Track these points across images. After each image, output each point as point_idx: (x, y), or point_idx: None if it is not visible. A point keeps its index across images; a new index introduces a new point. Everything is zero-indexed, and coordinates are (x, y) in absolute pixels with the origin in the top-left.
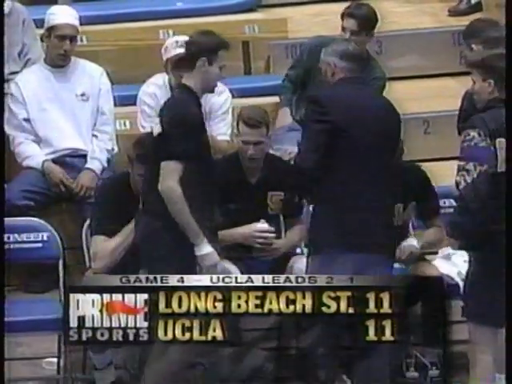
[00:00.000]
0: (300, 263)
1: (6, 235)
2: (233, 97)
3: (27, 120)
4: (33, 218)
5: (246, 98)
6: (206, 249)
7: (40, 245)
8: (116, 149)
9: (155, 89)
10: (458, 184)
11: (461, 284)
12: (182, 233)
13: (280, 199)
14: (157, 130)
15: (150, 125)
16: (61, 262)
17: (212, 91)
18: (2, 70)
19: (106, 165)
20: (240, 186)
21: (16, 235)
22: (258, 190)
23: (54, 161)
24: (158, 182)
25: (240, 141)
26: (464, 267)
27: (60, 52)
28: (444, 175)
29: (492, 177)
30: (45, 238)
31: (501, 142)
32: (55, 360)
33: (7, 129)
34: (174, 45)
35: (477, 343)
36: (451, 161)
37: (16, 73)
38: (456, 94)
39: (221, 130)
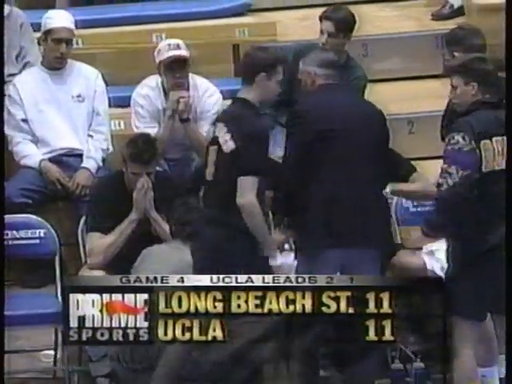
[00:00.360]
0: (289, 259)
1: (4, 232)
2: (223, 98)
3: (25, 120)
4: (30, 216)
5: None
6: (279, 258)
7: (37, 241)
8: (111, 148)
9: (148, 90)
10: (439, 185)
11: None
12: (254, 245)
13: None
14: (230, 146)
15: (144, 125)
16: (57, 258)
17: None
18: (1, 72)
19: (101, 164)
20: None
21: (14, 232)
22: None
23: (51, 160)
24: (230, 195)
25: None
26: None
27: (56, 55)
28: (428, 174)
29: (475, 181)
30: (42, 235)
31: (485, 144)
32: (52, 352)
33: (6, 129)
34: (167, 48)
35: (458, 336)
36: (435, 160)
37: (14, 75)
38: (439, 95)
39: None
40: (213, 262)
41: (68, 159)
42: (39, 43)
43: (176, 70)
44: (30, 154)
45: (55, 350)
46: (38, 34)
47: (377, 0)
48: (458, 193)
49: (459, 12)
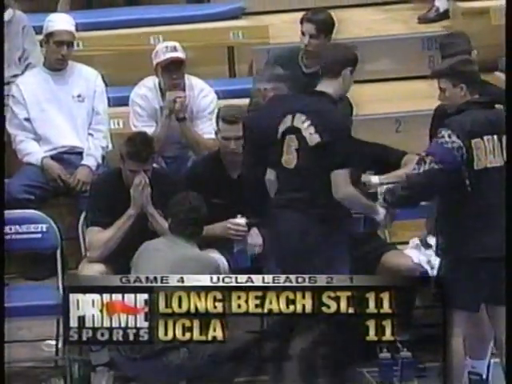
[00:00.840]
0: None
1: (7, 226)
2: (218, 98)
3: (27, 119)
4: (33, 211)
5: (231, 100)
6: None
7: (39, 235)
8: (110, 146)
9: (146, 91)
10: (413, 169)
11: (430, 272)
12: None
13: None
14: (315, 139)
15: (142, 124)
16: (59, 252)
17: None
18: (1, 73)
19: (100, 161)
20: (222, 181)
21: (17, 226)
22: (239, 185)
23: (53, 157)
24: (313, 183)
25: (221, 137)
26: (433, 256)
27: (58, 56)
28: None
29: (447, 176)
30: (44, 229)
31: (477, 143)
32: (54, 342)
33: (9, 128)
34: (164, 50)
35: (450, 326)
36: None
37: (17, 76)
38: (425, 95)
39: (207, 129)
40: (290, 247)
41: (69, 157)
42: (41, 45)
43: (173, 71)
44: (32, 151)
45: (57, 340)
46: (40, 37)
47: (366, 4)
48: (420, 182)
49: (445, 15)
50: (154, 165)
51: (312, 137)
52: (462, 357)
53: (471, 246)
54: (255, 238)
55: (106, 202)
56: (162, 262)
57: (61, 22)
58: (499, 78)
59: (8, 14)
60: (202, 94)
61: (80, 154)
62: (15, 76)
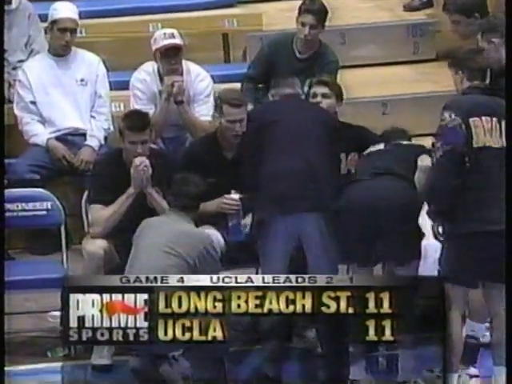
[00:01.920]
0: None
1: (14, 204)
2: (214, 82)
3: (33, 102)
4: (38, 189)
5: (226, 84)
6: None
7: (44, 212)
8: (112, 128)
9: (145, 75)
10: (431, 157)
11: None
12: None
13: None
14: None
15: (141, 107)
16: (63, 228)
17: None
18: (1, 61)
19: (103, 142)
20: (218, 162)
21: (23, 204)
22: (233, 165)
23: (57, 138)
24: None
25: (225, 121)
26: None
27: (62, 43)
28: None
29: (462, 156)
30: (49, 207)
31: (475, 121)
32: (58, 314)
33: (16, 110)
34: (162, 37)
35: (449, 302)
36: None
37: (23, 61)
38: (410, 79)
39: (203, 111)
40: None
41: (73, 138)
42: (46, 32)
43: (171, 56)
44: (38, 133)
45: (61, 310)
46: (45, 24)
47: None
48: (443, 165)
49: (429, 3)
50: (153, 145)
51: None
52: (460, 332)
53: (469, 220)
54: (247, 218)
55: (108, 180)
56: (160, 238)
57: (64, 10)
58: None
59: (15, 2)
60: (198, 78)
61: (83, 135)
62: (21, 61)
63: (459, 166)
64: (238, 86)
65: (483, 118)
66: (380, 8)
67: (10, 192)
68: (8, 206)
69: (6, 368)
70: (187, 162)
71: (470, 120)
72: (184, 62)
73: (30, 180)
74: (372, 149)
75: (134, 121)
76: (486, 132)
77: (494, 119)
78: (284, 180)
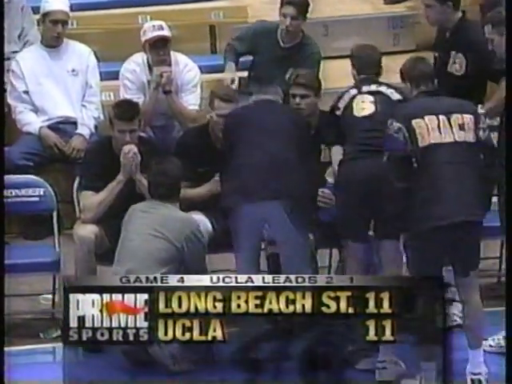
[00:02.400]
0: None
1: (8, 190)
2: (201, 72)
3: (26, 92)
4: (31, 176)
5: (212, 74)
6: None
7: (37, 199)
8: (102, 117)
9: (135, 66)
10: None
11: None
12: None
13: None
14: None
15: (131, 96)
16: (55, 213)
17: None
18: (2, 52)
19: (93, 130)
20: (209, 152)
21: (17, 190)
22: (223, 155)
23: (49, 127)
24: None
25: (216, 115)
26: None
27: (53, 34)
28: None
29: (401, 160)
30: (41, 193)
31: (417, 122)
32: (50, 296)
33: (9, 100)
34: (151, 28)
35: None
36: None
37: (16, 52)
38: (390, 70)
39: (191, 100)
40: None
41: (64, 126)
42: (38, 24)
43: (159, 48)
44: (30, 121)
45: (53, 294)
46: (38, 16)
47: None
48: (388, 170)
49: None
50: (142, 134)
51: None
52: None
53: (423, 217)
54: None
55: (98, 168)
56: (148, 223)
57: (56, 2)
58: None
59: None
60: (186, 68)
61: (74, 123)
62: (15, 52)
63: (404, 169)
64: (223, 75)
65: (426, 117)
66: (362, 1)
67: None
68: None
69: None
70: (179, 151)
71: (413, 122)
72: (172, 52)
73: (23, 167)
74: None
75: (124, 110)
76: (432, 130)
77: (442, 117)
78: (248, 170)
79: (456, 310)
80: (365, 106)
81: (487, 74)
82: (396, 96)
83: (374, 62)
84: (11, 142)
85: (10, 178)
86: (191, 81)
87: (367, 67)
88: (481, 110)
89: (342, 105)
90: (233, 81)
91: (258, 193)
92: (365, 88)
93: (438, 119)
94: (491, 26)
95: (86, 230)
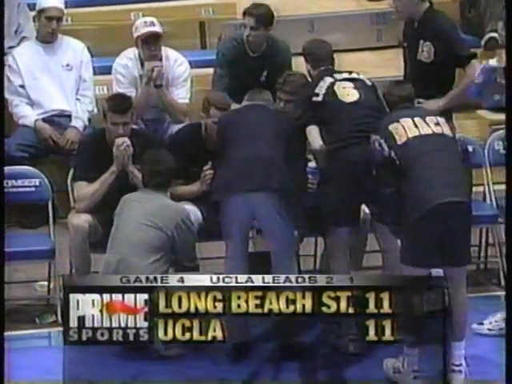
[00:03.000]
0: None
1: (4, 181)
2: (191, 67)
3: (22, 86)
4: (27, 167)
5: (202, 69)
6: None
7: (33, 189)
8: (95, 110)
9: (127, 61)
10: None
11: None
12: None
13: None
14: None
15: (123, 90)
16: (50, 203)
17: None
18: (2, 48)
19: (87, 123)
20: (200, 150)
21: (13, 181)
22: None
23: (45, 120)
24: None
25: (212, 122)
26: None
27: (48, 30)
28: None
29: (385, 169)
30: (37, 184)
31: (393, 126)
32: (46, 283)
33: (6, 94)
34: (143, 25)
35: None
36: None
37: (13, 47)
38: (374, 64)
39: (181, 94)
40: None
41: (59, 119)
42: (34, 20)
43: (151, 43)
44: (26, 114)
45: (48, 281)
46: (33, 13)
47: None
48: (378, 179)
49: None
50: (135, 126)
51: None
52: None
53: (412, 207)
54: None
55: (92, 159)
56: (140, 212)
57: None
58: None
59: None
60: (176, 63)
61: (69, 116)
62: (11, 48)
63: (390, 176)
64: (212, 70)
65: (401, 120)
66: None
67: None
68: None
69: None
70: (172, 149)
71: (389, 127)
72: (163, 48)
73: (20, 158)
74: None
75: (117, 103)
76: (408, 128)
77: (416, 118)
78: (235, 165)
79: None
80: (349, 92)
81: (455, 61)
82: (368, 82)
83: (328, 54)
84: (8, 135)
85: (6, 169)
86: (181, 75)
87: (324, 59)
88: (424, 103)
89: (321, 91)
90: None
91: (244, 185)
92: (338, 76)
93: (413, 120)
94: (502, 23)
95: (80, 219)
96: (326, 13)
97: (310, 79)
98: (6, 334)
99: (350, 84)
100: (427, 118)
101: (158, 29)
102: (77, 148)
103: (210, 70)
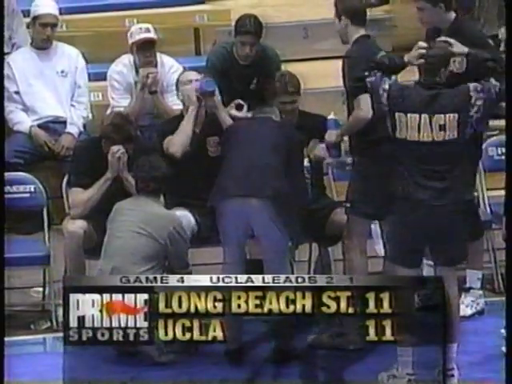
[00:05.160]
0: None
1: (4, 187)
2: None
3: (17, 93)
4: (22, 173)
5: None
6: None
7: (28, 195)
8: (90, 116)
9: (122, 67)
10: None
11: None
12: None
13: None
14: None
15: (118, 96)
16: (45, 209)
17: None
18: (1, 51)
19: (82, 129)
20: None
21: (8, 187)
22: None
23: (40, 126)
24: None
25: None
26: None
27: (43, 37)
28: None
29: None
30: (32, 190)
31: (400, 116)
32: (41, 289)
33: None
34: (138, 31)
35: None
36: None
37: (7, 53)
38: None
39: (176, 100)
40: None
41: (54, 125)
42: (28, 27)
43: (146, 49)
44: (21, 120)
45: (43, 287)
46: (28, 19)
47: None
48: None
49: (385, 1)
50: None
51: None
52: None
53: (398, 206)
54: None
55: (87, 165)
56: (133, 219)
57: (45, 6)
58: None
59: None
60: (171, 70)
61: (64, 123)
62: (6, 54)
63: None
64: None
65: (409, 115)
66: None
67: None
68: None
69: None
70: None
71: (396, 114)
72: (158, 54)
73: (15, 165)
74: None
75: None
76: (409, 128)
77: (424, 115)
78: (230, 171)
79: (472, 296)
80: None
81: (487, 71)
82: None
83: None
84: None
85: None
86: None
87: None
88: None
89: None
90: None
91: (239, 191)
92: None
93: (421, 118)
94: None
95: (75, 226)
96: (320, 19)
97: None
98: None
99: None
100: (433, 119)
101: (152, 35)
102: (72, 154)
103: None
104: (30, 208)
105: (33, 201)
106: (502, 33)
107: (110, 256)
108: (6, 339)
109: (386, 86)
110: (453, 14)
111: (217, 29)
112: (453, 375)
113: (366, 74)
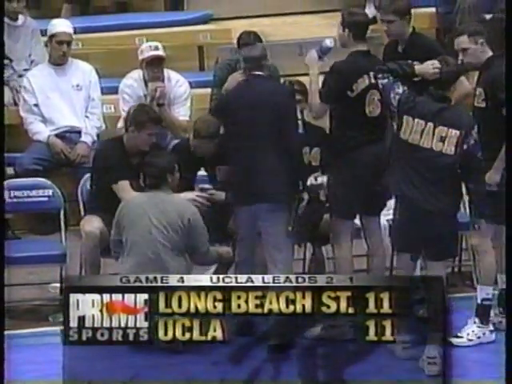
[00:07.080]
0: None
1: (20, 191)
2: (191, 87)
3: (36, 105)
4: (40, 179)
5: (201, 89)
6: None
7: (46, 199)
8: (103, 126)
9: (132, 81)
10: None
11: None
12: None
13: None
14: None
15: (128, 108)
16: (62, 212)
17: None
18: (2, 70)
19: (95, 138)
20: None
21: (28, 191)
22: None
23: (57, 136)
24: None
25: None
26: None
27: (59, 53)
28: None
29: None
30: (50, 194)
31: (407, 120)
32: (58, 285)
33: (21, 112)
34: (148, 49)
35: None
36: None
37: (27, 69)
38: None
39: (182, 112)
40: None
41: (70, 135)
42: (46, 45)
43: (154, 65)
44: (40, 131)
45: (61, 282)
46: (45, 38)
47: (309, 12)
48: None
49: (374, 20)
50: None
51: None
52: None
53: (400, 202)
54: None
55: (114, 162)
56: (151, 213)
57: (61, 25)
58: None
59: (21, 19)
60: (177, 84)
61: (79, 132)
62: (26, 70)
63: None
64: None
65: (416, 119)
66: (332, 25)
67: (17, 181)
68: (16, 193)
69: (12, 331)
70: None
71: (404, 117)
72: (165, 70)
73: (34, 171)
74: None
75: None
76: (413, 132)
77: (429, 124)
78: (239, 176)
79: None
80: None
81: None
82: None
83: None
84: (23, 150)
85: (22, 180)
86: (182, 95)
87: None
88: None
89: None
90: None
91: (249, 196)
92: None
93: (426, 125)
94: (467, 36)
95: (92, 226)
96: (314, 38)
97: None
98: (20, 331)
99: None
100: (437, 129)
101: (161, 53)
102: (92, 159)
103: (208, 90)
104: (48, 211)
105: (51, 204)
106: (457, 43)
107: (135, 250)
108: (26, 331)
109: (400, 91)
110: (410, 27)
111: (219, 47)
112: (435, 363)
113: (379, 76)
